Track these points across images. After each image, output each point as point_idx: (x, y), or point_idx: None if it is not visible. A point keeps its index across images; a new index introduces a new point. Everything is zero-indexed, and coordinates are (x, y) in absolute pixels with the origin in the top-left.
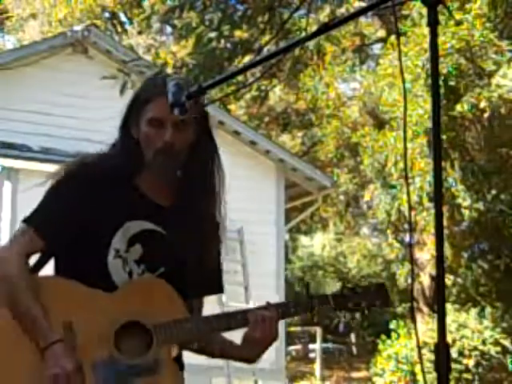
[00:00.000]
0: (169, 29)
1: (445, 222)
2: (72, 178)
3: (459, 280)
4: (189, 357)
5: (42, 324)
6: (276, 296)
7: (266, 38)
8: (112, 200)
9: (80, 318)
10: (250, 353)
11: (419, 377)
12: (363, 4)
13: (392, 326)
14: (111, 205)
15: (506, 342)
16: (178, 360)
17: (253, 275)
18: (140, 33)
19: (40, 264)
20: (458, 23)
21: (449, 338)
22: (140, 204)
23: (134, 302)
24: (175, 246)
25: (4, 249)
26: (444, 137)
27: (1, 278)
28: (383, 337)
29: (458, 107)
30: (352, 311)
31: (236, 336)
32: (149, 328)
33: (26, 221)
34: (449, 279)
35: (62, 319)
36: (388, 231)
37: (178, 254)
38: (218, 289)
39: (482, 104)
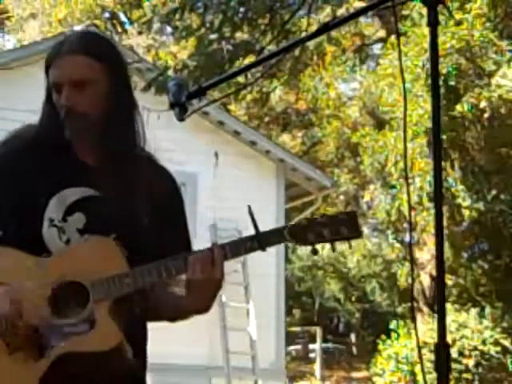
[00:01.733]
0: (169, 29)
1: (445, 222)
2: (4, 151)
3: (459, 280)
4: (189, 357)
5: None
6: (276, 296)
7: (267, 39)
8: (44, 168)
9: (15, 284)
10: (195, 300)
11: (419, 377)
12: (363, 4)
13: (392, 326)
14: (43, 174)
15: (506, 342)
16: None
17: (253, 275)
18: (140, 33)
19: None
20: (458, 23)
21: (449, 338)
22: (77, 170)
23: (74, 261)
24: (120, 210)
25: None
26: (444, 137)
27: None
28: (383, 337)
29: (458, 107)
30: (314, 243)
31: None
32: (85, 286)
33: None
34: (449, 279)
35: None
36: (388, 231)
37: (124, 218)
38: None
39: (482, 104)
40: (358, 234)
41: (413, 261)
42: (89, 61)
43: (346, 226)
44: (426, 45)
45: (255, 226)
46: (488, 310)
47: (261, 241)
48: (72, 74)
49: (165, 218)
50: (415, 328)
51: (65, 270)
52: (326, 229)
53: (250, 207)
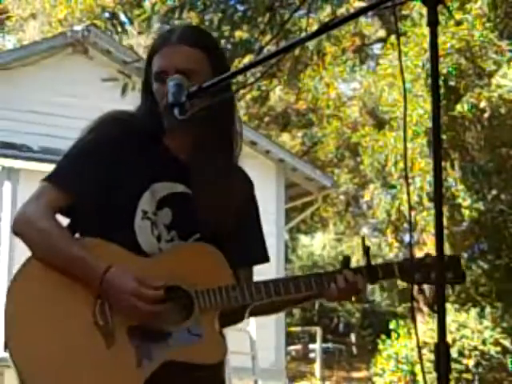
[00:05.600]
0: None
1: (445, 222)
2: (98, 133)
3: None
4: None
5: (88, 260)
6: None
7: (267, 38)
8: (140, 159)
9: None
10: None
11: (419, 377)
12: (363, 4)
13: (392, 326)
14: (139, 164)
15: (506, 342)
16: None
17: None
18: (140, 33)
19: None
20: (458, 23)
21: (449, 338)
22: (169, 165)
23: (176, 266)
24: (208, 208)
25: (27, 205)
26: (444, 137)
27: (33, 230)
28: (383, 337)
29: (458, 107)
30: (419, 283)
31: None
32: (190, 293)
33: (47, 179)
34: None
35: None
36: (388, 231)
37: (212, 218)
38: (263, 257)
39: (482, 104)
40: (461, 280)
41: (413, 261)
42: (196, 51)
43: (451, 270)
44: (426, 45)
45: (368, 260)
46: (488, 309)
47: (371, 274)
48: (178, 63)
49: (246, 225)
50: (415, 328)
51: (167, 273)
52: (432, 271)
53: (363, 238)
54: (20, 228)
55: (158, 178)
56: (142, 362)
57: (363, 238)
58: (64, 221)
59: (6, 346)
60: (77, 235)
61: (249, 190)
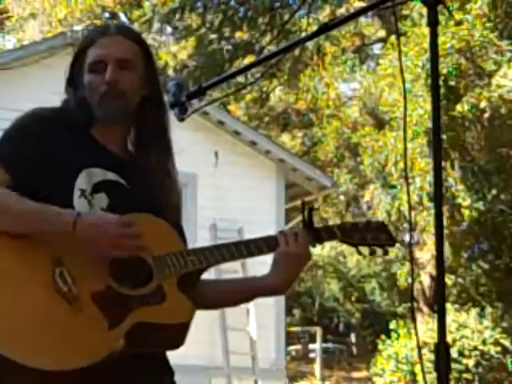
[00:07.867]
0: (169, 29)
1: (445, 222)
2: (32, 118)
3: (459, 280)
4: (188, 357)
5: (52, 209)
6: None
7: (267, 39)
8: (73, 144)
9: (70, 253)
10: (280, 277)
11: (419, 377)
12: (363, 4)
13: (392, 326)
14: (73, 148)
15: (506, 342)
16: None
17: (252, 275)
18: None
19: None
20: (458, 23)
21: (449, 338)
22: (100, 154)
23: None
24: (139, 199)
25: None
26: (444, 137)
27: None
28: (383, 337)
29: (458, 107)
30: (357, 245)
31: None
32: (147, 260)
33: None
34: (449, 279)
35: (51, 255)
36: None
37: (143, 208)
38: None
39: (482, 104)
40: (393, 242)
41: (413, 261)
42: (133, 44)
43: (384, 233)
44: (426, 45)
45: (310, 222)
46: (488, 309)
47: (314, 235)
48: (117, 51)
49: (173, 215)
50: (415, 328)
51: None
52: (368, 233)
53: (311, 210)
54: None
55: (91, 163)
56: (113, 325)
57: (303, 203)
58: None
59: None
60: None
61: (174, 185)
